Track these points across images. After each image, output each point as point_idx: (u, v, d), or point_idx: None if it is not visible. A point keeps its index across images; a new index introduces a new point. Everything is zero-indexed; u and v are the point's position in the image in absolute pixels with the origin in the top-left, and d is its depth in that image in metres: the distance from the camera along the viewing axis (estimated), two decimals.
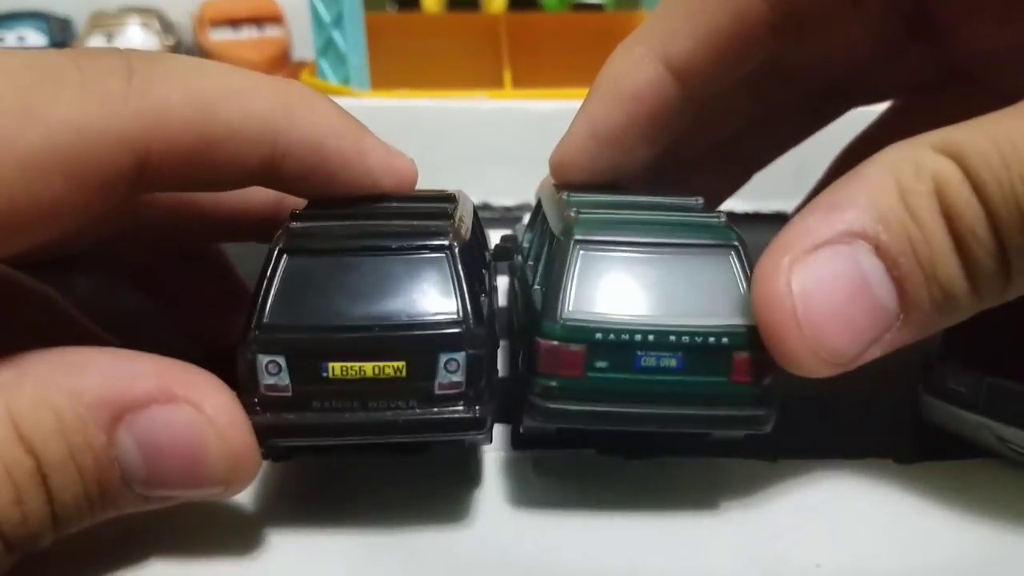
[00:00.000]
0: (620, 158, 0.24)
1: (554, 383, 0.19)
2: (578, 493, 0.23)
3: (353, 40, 0.46)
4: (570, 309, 0.19)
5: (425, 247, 0.20)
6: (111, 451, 0.17)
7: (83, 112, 0.17)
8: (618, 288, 0.20)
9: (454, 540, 0.21)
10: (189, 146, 0.19)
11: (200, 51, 0.61)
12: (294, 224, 0.21)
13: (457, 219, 0.22)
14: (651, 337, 0.19)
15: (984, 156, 0.17)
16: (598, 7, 0.72)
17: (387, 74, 0.50)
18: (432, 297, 0.20)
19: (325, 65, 0.48)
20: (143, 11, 0.62)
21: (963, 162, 0.17)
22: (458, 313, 0.19)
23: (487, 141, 0.41)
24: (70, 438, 0.17)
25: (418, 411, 0.19)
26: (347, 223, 0.21)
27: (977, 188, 0.17)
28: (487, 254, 0.27)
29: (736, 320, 0.19)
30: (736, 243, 0.20)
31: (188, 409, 0.18)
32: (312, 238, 0.20)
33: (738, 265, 0.20)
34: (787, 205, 0.36)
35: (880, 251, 0.18)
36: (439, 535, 0.22)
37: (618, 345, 0.19)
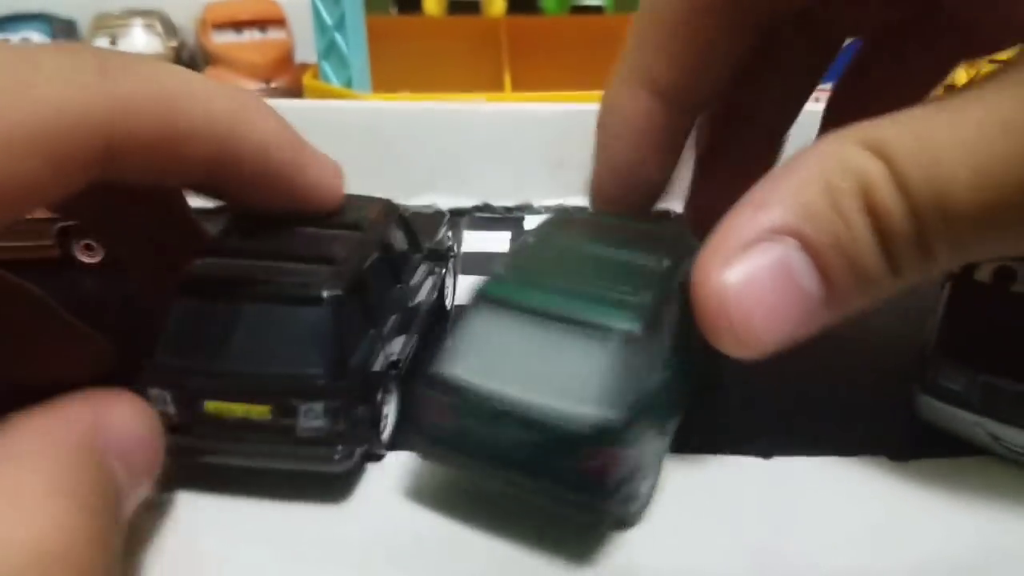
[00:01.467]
0: (648, 180, 0.26)
1: (431, 424, 0.21)
2: None
3: (355, 43, 0.47)
4: (447, 365, 0.21)
5: (306, 299, 0.22)
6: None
7: (61, 96, 0.18)
8: (499, 353, 0.20)
9: (453, 537, 0.22)
10: (153, 136, 0.20)
11: (203, 53, 0.62)
12: (198, 262, 0.23)
13: (356, 258, 0.23)
14: (509, 411, 0.19)
15: (911, 156, 0.18)
16: (597, 10, 0.72)
17: (388, 76, 0.50)
18: (303, 347, 0.21)
19: (327, 67, 0.48)
20: (146, 13, 0.62)
21: (890, 161, 0.18)
22: (322, 366, 0.21)
23: (487, 142, 0.42)
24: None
25: (282, 449, 0.22)
26: (246, 263, 0.23)
27: (901, 187, 0.18)
28: (415, 261, 0.28)
29: (591, 411, 0.19)
30: (629, 329, 0.20)
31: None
32: (208, 280, 0.22)
33: (617, 352, 0.19)
34: None
35: (806, 246, 0.19)
36: (440, 533, 0.22)
37: (481, 410, 0.20)
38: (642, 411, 0.20)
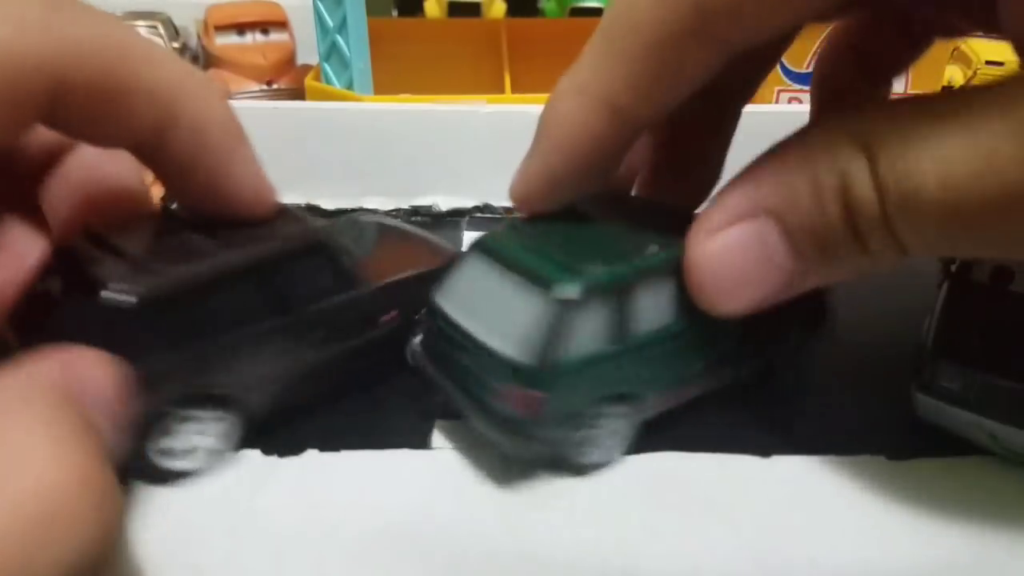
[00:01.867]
0: (578, 190, 0.25)
1: (424, 339, 0.26)
2: (575, 488, 0.24)
3: (356, 45, 0.47)
4: (437, 296, 0.25)
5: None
6: None
7: (4, 35, 0.18)
8: (472, 292, 0.24)
9: (454, 534, 0.22)
10: (97, 85, 0.20)
11: (205, 55, 0.62)
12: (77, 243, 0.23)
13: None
14: (462, 341, 0.24)
15: (890, 156, 0.18)
16: (597, 12, 0.72)
17: (389, 78, 0.50)
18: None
19: (329, 70, 0.48)
20: (149, 15, 0.62)
21: (872, 159, 0.18)
22: None
23: (487, 144, 0.42)
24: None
25: None
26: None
27: (877, 184, 0.18)
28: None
29: (512, 353, 0.22)
30: (566, 293, 0.22)
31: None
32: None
33: (552, 310, 0.22)
34: None
35: (784, 229, 0.20)
36: (437, 529, 0.22)
37: (448, 335, 0.24)
38: (569, 369, 0.22)
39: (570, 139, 0.24)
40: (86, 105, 0.20)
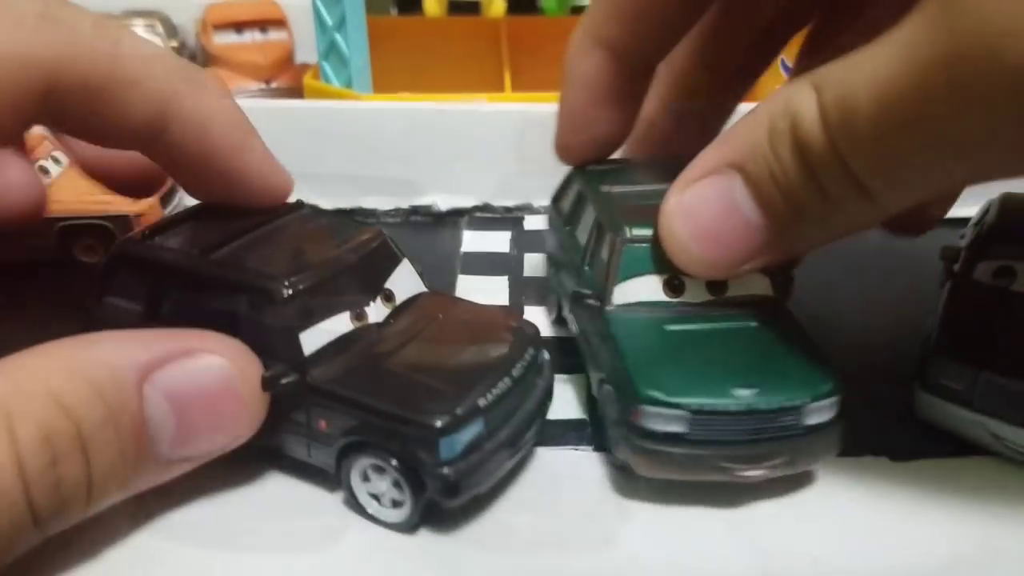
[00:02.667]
0: (602, 130, 0.28)
1: None
2: (576, 489, 0.23)
3: (355, 43, 0.47)
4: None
5: None
6: (143, 410, 0.19)
7: (1, 38, 0.19)
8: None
9: (453, 533, 0.22)
10: (91, 82, 0.20)
11: (204, 54, 0.62)
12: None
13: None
14: None
15: (832, 85, 0.18)
16: None
17: (389, 77, 0.50)
18: None
19: (328, 68, 0.48)
20: (147, 14, 0.62)
21: (819, 95, 0.19)
22: None
23: (487, 142, 0.42)
24: (108, 400, 0.18)
25: None
26: None
27: (823, 116, 0.18)
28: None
29: None
30: None
31: (209, 357, 0.20)
32: None
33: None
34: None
35: (747, 180, 0.21)
36: (437, 526, 0.22)
37: None
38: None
39: (579, 81, 0.26)
40: (81, 102, 0.21)
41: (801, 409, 0.22)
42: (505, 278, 0.36)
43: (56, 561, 0.20)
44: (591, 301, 0.25)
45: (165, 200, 0.38)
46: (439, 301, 0.26)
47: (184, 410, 0.19)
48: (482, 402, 0.21)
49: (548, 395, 0.24)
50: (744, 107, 0.29)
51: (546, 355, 0.25)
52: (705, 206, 0.21)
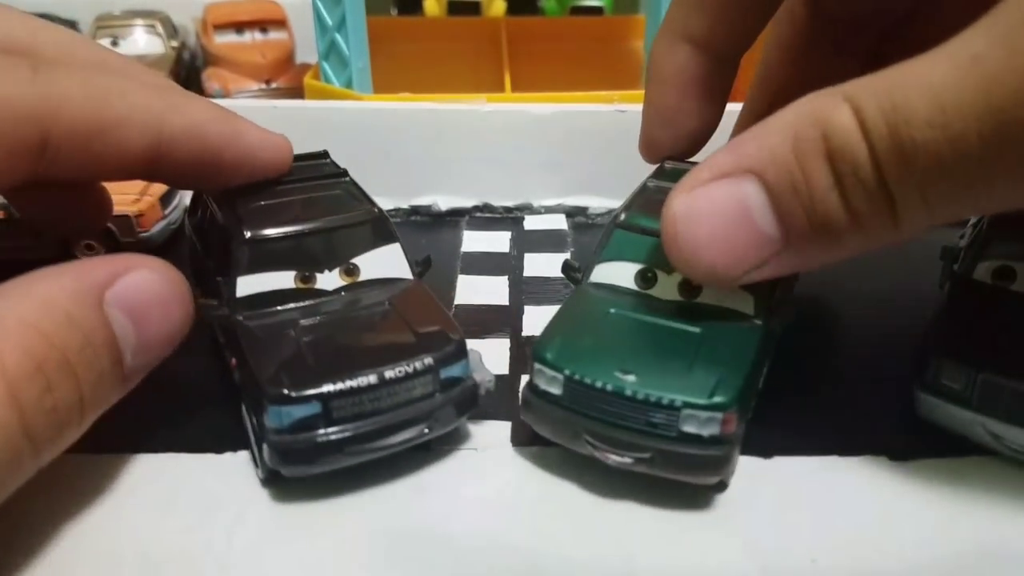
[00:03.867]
0: (691, 124, 0.28)
1: None
2: (575, 489, 0.23)
3: (356, 44, 0.47)
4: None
5: None
6: (110, 327, 0.20)
7: None
8: None
9: (453, 533, 0.22)
10: (85, 128, 0.22)
11: (204, 54, 0.62)
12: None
13: None
14: None
15: (876, 99, 0.17)
16: (597, 11, 0.72)
17: (389, 77, 0.50)
18: None
19: (328, 68, 0.48)
20: (148, 14, 0.62)
21: (858, 109, 0.18)
22: None
23: (487, 143, 0.42)
24: (81, 323, 0.19)
25: None
26: None
27: (864, 131, 0.18)
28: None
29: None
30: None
31: (143, 270, 0.21)
32: None
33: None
34: None
35: (766, 188, 0.20)
36: (438, 528, 0.22)
37: None
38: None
39: (666, 77, 0.27)
40: (77, 148, 0.22)
41: (676, 411, 0.21)
42: (505, 278, 0.36)
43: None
44: (575, 274, 0.27)
45: (165, 200, 0.38)
46: (409, 292, 0.26)
47: (140, 320, 0.21)
48: (328, 388, 0.21)
49: (448, 408, 0.23)
50: (732, 107, 0.29)
51: (467, 372, 0.24)
52: (714, 209, 0.20)
